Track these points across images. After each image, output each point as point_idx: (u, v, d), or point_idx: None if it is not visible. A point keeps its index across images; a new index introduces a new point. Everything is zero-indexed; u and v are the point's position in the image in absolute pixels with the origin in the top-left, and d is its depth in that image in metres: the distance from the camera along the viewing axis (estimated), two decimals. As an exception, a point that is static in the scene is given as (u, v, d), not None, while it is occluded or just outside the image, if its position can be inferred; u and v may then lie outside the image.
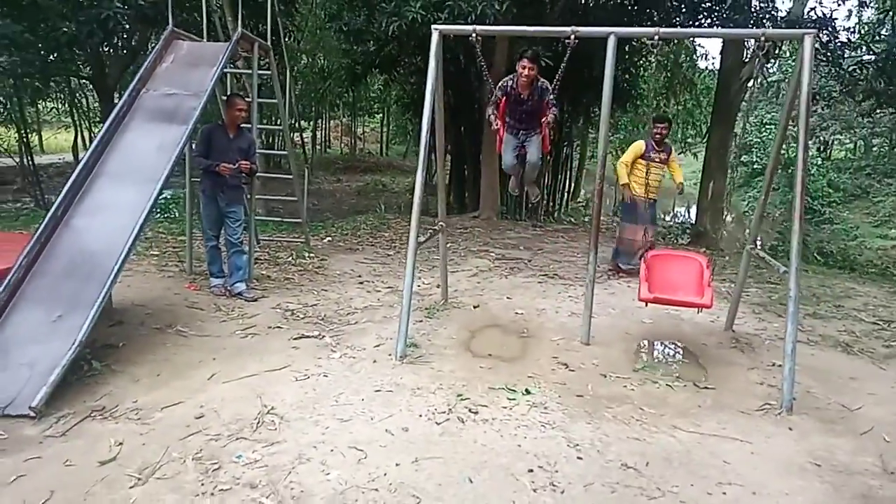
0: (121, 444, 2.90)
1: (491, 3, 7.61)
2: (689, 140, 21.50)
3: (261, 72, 6.14)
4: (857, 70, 9.58)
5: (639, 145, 6.64)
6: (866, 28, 12.65)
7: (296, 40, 16.48)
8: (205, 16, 5.99)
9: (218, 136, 5.22)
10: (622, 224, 6.87)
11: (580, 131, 17.35)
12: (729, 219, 17.63)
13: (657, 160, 6.51)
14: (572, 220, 15.53)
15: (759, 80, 11.75)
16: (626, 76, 12.42)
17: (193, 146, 5.35)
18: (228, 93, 6.17)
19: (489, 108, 4.89)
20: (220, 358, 4.01)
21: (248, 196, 5.74)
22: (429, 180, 6.73)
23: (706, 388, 3.91)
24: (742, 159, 25.76)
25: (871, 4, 11.90)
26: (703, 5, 10.51)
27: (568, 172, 17.89)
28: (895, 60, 8.71)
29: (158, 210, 9.56)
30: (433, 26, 4.40)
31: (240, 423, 3.16)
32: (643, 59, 13.38)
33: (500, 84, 4.83)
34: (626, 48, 11.61)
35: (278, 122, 8.53)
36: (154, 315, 4.70)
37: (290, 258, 6.86)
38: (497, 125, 4.86)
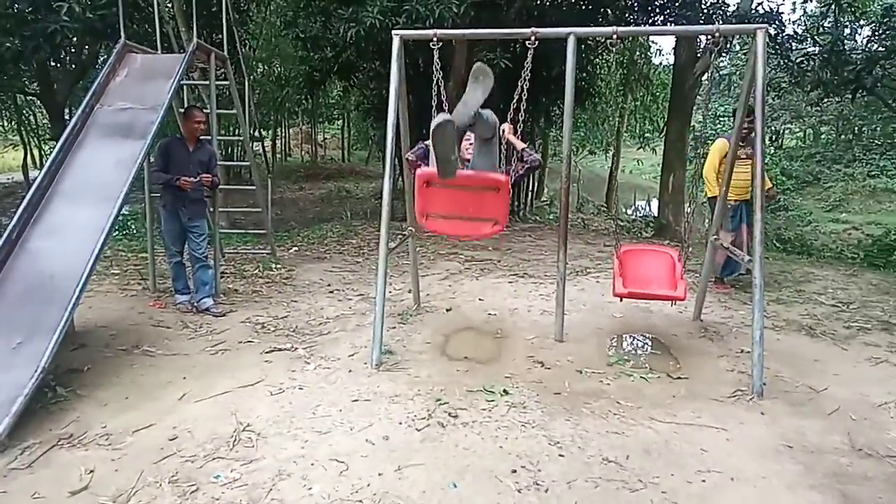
0: (92, 471, 2.80)
1: (448, 7, 7.62)
2: (647, 135, 21.95)
3: (218, 82, 6.03)
4: (805, 61, 9.90)
5: (722, 145, 5.84)
6: (811, 21, 13.11)
7: (251, 48, 16.28)
8: (157, 27, 5.84)
9: (177, 149, 5.10)
10: (722, 233, 5.49)
11: (541, 130, 17.52)
12: (689, 210, 18.05)
13: (743, 156, 5.51)
14: (537, 218, 15.68)
15: (711, 74, 12.06)
16: (583, 74, 12.60)
17: (151, 161, 5.22)
18: (185, 105, 6.03)
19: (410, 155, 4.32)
20: (191, 376, 3.91)
21: (211, 209, 5.63)
22: (393, 186, 6.68)
23: (679, 378, 3.98)
24: (699, 151, 26.38)
25: (814, -2, 12.30)
26: (655, 3, 10.73)
27: (532, 173, 18.05)
28: (839, 52, 9.05)
29: (116, 227, 9.30)
30: (394, 31, 4.38)
31: (215, 442, 3.08)
32: (599, 57, 13.59)
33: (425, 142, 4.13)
34: (583, 47, 11.79)
35: (237, 133, 8.42)
36: (119, 336, 4.56)
37: (256, 270, 6.75)
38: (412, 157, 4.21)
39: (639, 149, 25.58)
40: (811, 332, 4.89)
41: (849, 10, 10.34)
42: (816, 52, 9.89)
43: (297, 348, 4.41)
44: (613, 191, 21.39)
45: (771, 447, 3.12)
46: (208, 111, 5.65)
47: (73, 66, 10.61)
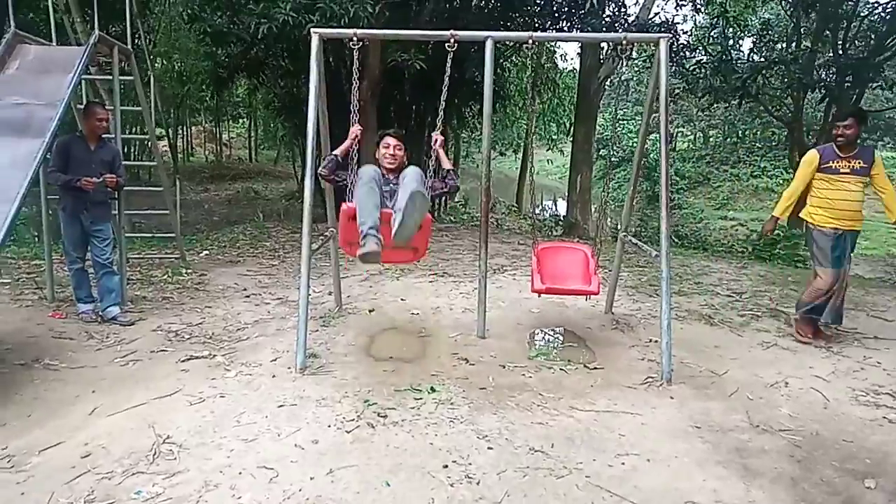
0: (-6, 497, 2.59)
1: (363, 6, 7.59)
2: (554, 137, 22.79)
3: (122, 77, 5.70)
4: (697, 69, 10.65)
5: (810, 157, 4.65)
6: (701, 32, 14.10)
7: (150, 42, 15.42)
8: (52, 17, 5.44)
9: (77, 148, 4.78)
10: (815, 267, 4.72)
11: (453, 130, 17.77)
12: (594, 209, 18.93)
13: (846, 170, 4.49)
14: (452, 218, 15.87)
15: (613, 79, 12.71)
16: (493, 77, 12.88)
17: (49, 160, 4.86)
18: (85, 101, 5.66)
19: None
20: (101, 390, 3.68)
21: (115, 212, 5.31)
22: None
23: (595, 368, 4.19)
24: (601, 153, 27.70)
25: (704, 11, 13.21)
26: (562, 10, 11.17)
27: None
28: (727, 61, 9.81)
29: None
30: (313, 30, 4.32)
31: (133, 456, 2.93)
32: (508, 60, 13.96)
33: (362, 169, 3.95)
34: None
35: (136, 131, 7.96)
36: (15, 350, 4.21)
37: (165, 276, 6.43)
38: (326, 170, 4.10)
39: (547, 150, 26.52)
40: (710, 321, 5.29)
41: (734, 23, 11.21)
42: (707, 61, 10.66)
43: (215, 355, 4.26)
44: (526, 191, 22.03)
45: (681, 429, 3.36)
46: (111, 108, 5.34)
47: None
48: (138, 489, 2.66)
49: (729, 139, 38.46)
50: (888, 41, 10.99)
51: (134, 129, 14.11)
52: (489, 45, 4.36)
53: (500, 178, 29.08)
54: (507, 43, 11.44)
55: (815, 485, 2.85)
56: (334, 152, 4.15)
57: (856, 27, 11.81)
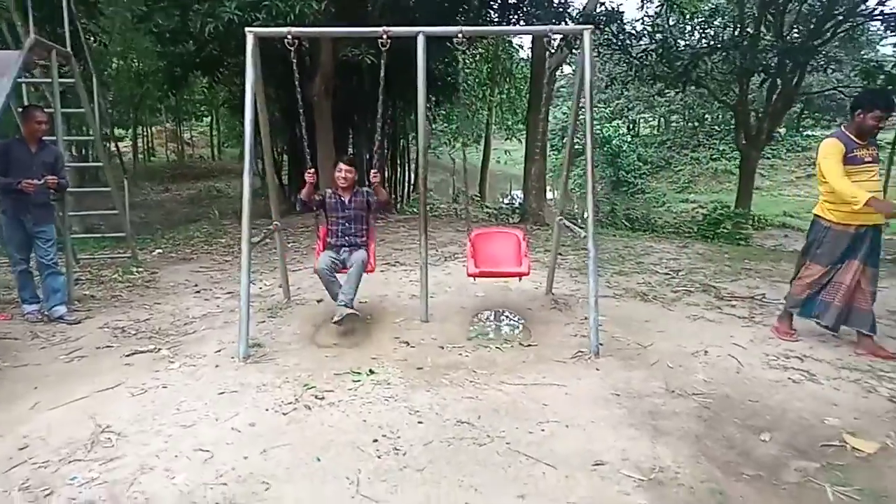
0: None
1: (309, 3, 7.66)
2: (513, 127, 23.05)
3: (63, 80, 5.70)
4: (644, 56, 10.93)
5: (835, 145, 4.09)
6: (650, 20, 14.42)
7: (102, 43, 15.20)
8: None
9: (17, 151, 4.81)
10: (805, 260, 4.39)
11: (413, 124, 17.86)
12: (557, 196, 19.27)
13: (868, 159, 4.09)
14: (414, 210, 15.99)
15: (561, 70, 12.94)
16: (449, 69, 13.02)
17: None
18: (25, 105, 5.66)
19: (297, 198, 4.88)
20: (44, 386, 3.76)
21: (60, 213, 5.34)
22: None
23: (530, 345, 4.40)
24: (559, 142, 28.06)
25: (653, -2, 13.49)
26: (510, 2, 11.34)
27: (407, 164, 18.39)
28: (669, 47, 10.10)
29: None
30: (247, 29, 4.43)
31: (71, 446, 3.03)
32: (463, 53, 14.08)
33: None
34: (448, 44, 12.20)
35: (90, 133, 7.90)
36: (-42, 352, 4.26)
37: (115, 275, 6.46)
38: (304, 197, 4.78)
39: (506, 140, 26.76)
40: (645, 298, 5.55)
41: (678, 9, 11.52)
42: (654, 48, 10.95)
43: (160, 349, 4.36)
44: (489, 181, 22.28)
45: (602, 397, 3.57)
46: (51, 110, 5.36)
47: None
48: (73, 475, 2.77)
49: (689, 124, 39.24)
50: (825, 25, 11.42)
51: (88, 131, 13.93)
52: (421, 40, 4.50)
53: (469, 168, 29.26)
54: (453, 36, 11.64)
55: (717, 440, 3.08)
56: (300, 196, 4.84)
57: (795, 12, 12.23)
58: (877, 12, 11.90)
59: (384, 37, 4.39)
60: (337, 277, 4.71)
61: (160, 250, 7.99)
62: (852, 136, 4.09)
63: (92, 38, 11.82)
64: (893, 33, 11.29)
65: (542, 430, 3.19)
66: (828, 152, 4.10)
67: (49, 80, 5.73)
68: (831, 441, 3.06)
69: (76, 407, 3.47)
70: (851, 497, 2.61)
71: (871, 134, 4.11)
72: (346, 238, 4.87)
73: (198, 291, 5.93)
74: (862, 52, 22.37)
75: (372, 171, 4.80)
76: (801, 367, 3.98)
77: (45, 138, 5.05)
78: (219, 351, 4.30)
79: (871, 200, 3.88)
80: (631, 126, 41.04)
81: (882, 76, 11.21)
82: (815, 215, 4.31)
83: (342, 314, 4.45)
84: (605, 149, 31.72)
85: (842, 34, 12.52)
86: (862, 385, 3.70)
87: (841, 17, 11.35)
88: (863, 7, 11.46)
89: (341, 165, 4.93)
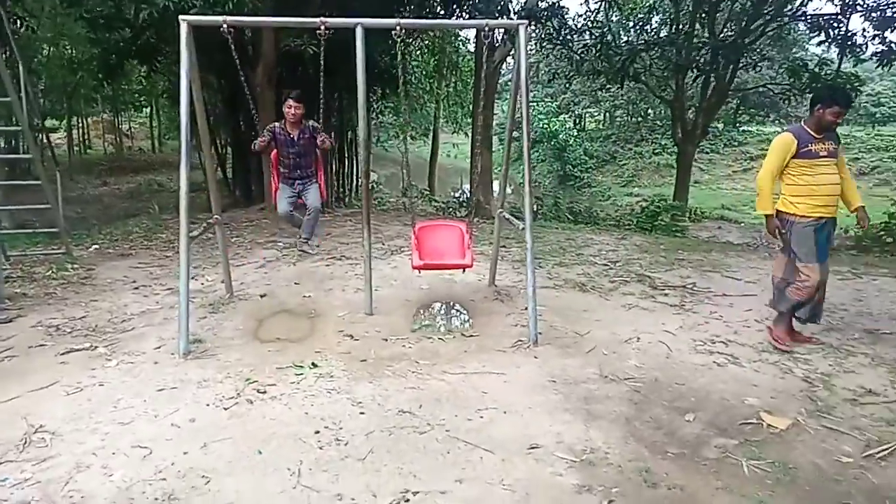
0: None
1: (248, -9, 7.53)
2: (460, 120, 23.18)
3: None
4: (584, 52, 11.18)
5: (785, 140, 4.13)
6: (592, 15, 14.77)
7: (31, 28, 14.46)
8: None
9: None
10: (785, 256, 4.33)
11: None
12: (509, 190, 19.55)
13: (824, 153, 4.08)
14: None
15: (508, 64, 13.12)
16: (395, 61, 12.96)
17: None
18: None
19: (254, 143, 5.19)
20: (-28, 387, 3.63)
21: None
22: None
23: (472, 336, 4.51)
24: (514, 135, 28.31)
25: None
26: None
27: (354, 157, 18.24)
28: (608, 43, 10.38)
29: None
30: (181, 17, 4.33)
31: (2, 447, 2.95)
32: (409, 45, 14.10)
33: (267, 127, 5.23)
34: (390, 36, 12.17)
35: (16, 123, 7.54)
36: None
37: (49, 272, 6.22)
38: (258, 146, 5.13)
39: (453, 133, 26.87)
40: (583, 288, 5.74)
41: (620, 6, 11.84)
42: (592, 43, 11.22)
43: (96, 347, 4.25)
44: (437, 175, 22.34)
45: (539, 384, 3.71)
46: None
47: None
48: (4, 477, 2.71)
49: (633, 119, 40.28)
50: (754, 24, 11.95)
51: (15, 121, 13.26)
52: (359, 32, 4.51)
53: (419, 162, 29.29)
54: (406, 28, 11.63)
55: (645, 422, 3.26)
56: (253, 146, 5.22)
57: (727, 11, 12.75)
58: (800, 13, 12.59)
59: (322, 28, 4.38)
60: (296, 211, 5.49)
61: (97, 246, 7.72)
62: (810, 131, 4.11)
63: (18, 23, 11.24)
64: (816, 34, 11.92)
65: (481, 417, 3.29)
66: (773, 147, 4.19)
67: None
68: (749, 419, 3.28)
69: (7, 407, 3.38)
70: (764, 469, 2.82)
71: (830, 129, 4.12)
72: (298, 171, 5.34)
73: (136, 288, 5.78)
74: (793, 51, 23.48)
75: (324, 138, 5.23)
76: (725, 351, 4.23)
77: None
78: (158, 348, 4.24)
79: (769, 217, 4.19)
80: (577, 121, 41.85)
81: (806, 74, 11.84)
82: (779, 211, 4.25)
83: (305, 247, 5.55)
84: (553, 143, 32.27)
85: (771, 33, 13.15)
86: (780, 367, 3.96)
87: (769, 17, 11.94)
88: (789, 7, 12.09)
89: (290, 101, 5.10)
